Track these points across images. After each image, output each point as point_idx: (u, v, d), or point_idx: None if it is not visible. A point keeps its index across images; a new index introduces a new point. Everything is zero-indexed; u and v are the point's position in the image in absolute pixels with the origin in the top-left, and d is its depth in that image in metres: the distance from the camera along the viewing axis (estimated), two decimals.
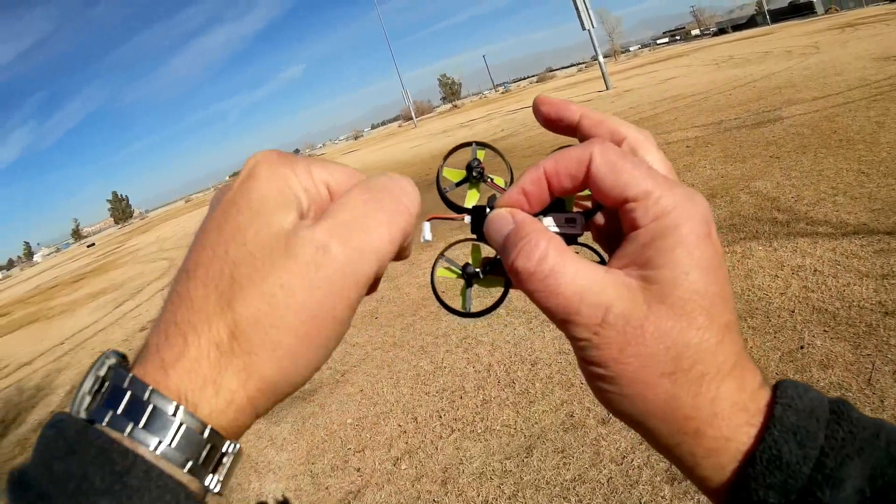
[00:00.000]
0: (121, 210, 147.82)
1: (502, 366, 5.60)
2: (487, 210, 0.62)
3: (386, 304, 8.42)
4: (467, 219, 0.66)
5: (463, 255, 0.71)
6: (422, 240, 0.69)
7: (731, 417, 0.48)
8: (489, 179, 0.71)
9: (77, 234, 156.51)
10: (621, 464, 3.88)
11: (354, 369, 6.69)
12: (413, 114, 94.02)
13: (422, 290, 8.57)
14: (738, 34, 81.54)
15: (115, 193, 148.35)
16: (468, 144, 0.75)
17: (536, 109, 0.67)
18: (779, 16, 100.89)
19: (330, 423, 5.73)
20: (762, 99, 15.15)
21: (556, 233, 0.59)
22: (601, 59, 36.43)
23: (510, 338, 6.15)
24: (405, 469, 4.58)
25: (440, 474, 4.40)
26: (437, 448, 4.74)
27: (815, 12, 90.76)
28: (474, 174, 0.71)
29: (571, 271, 0.50)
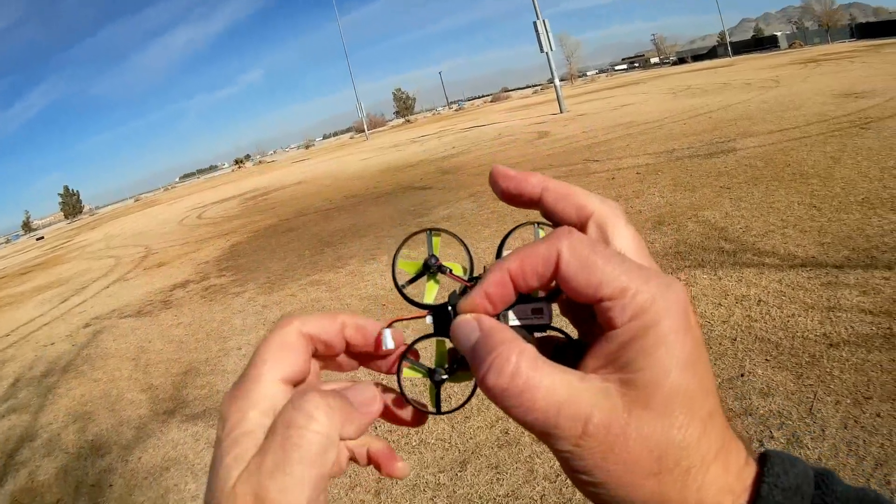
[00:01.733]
0: (71, 205, 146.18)
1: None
2: (449, 308, 0.61)
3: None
4: (429, 319, 0.64)
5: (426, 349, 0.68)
6: (384, 347, 0.63)
7: (717, 502, 0.48)
8: (447, 270, 0.67)
9: (27, 227, 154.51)
10: (555, 482, 3.90)
11: None
12: (365, 126, 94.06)
13: (364, 301, 8.60)
14: (698, 64, 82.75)
15: (66, 188, 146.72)
16: (422, 231, 0.73)
17: (494, 182, 0.63)
18: (741, 48, 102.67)
19: None
20: (717, 130, 15.38)
21: (521, 326, 0.58)
22: (557, 82, 36.76)
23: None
24: (339, 479, 4.55)
25: (374, 485, 4.41)
26: None
27: (779, 46, 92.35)
28: (431, 270, 0.68)
29: (547, 384, 0.48)
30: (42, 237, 72.69)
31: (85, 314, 13.27)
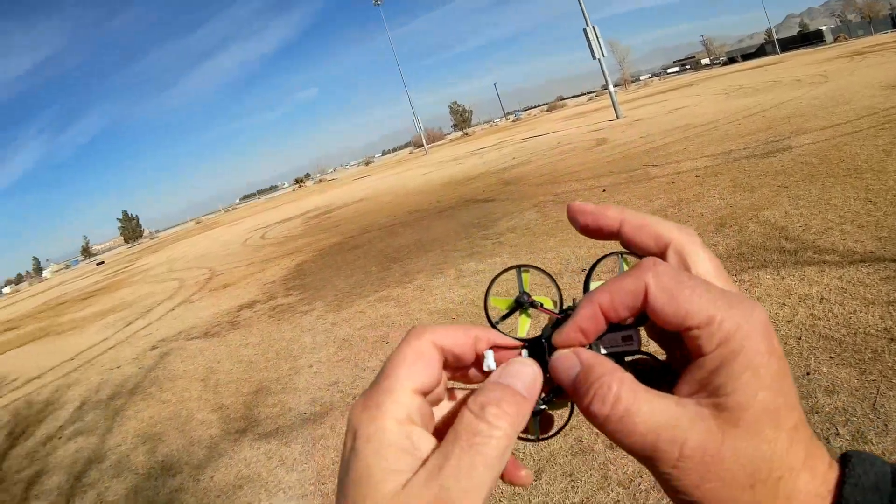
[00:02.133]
0: (131, 229, 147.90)
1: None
2: (543, 341, 0.62)
3: (397, 330, 8.43)
4: (524, 353, 0.63)
5: None
6: (485, 368, 0.62)
7: None
8: (539, 305, 0.70)
9: (87, 252, 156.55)
10: (629, 487, 3.91)
11: None
12: (424, 141, 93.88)
13: (433, 315, 8.58)
14: (747, 63, 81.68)
15: (125, 213, 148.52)
16: (513, 268, 0.75)
17: (573, 219, 0.67)
18: (788, 45, 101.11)
19: (341, 444, 5.69)
20: (771, 128, 15.24)
21: (614, 353, 0.60)
22: (612, 88, 36.53)
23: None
24: None
25: None
26: None
27: (825, 41, 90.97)
28: (523, 306, 0.71)
29: (646, 410, 0.52)
30: (102, 262, 73.43)
31: (151, 337, 13.44)
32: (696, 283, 0.53)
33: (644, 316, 0.59)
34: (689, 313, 0.52)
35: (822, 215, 7.72)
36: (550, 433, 0.69)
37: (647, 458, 0.52)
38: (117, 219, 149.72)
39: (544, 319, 0.66)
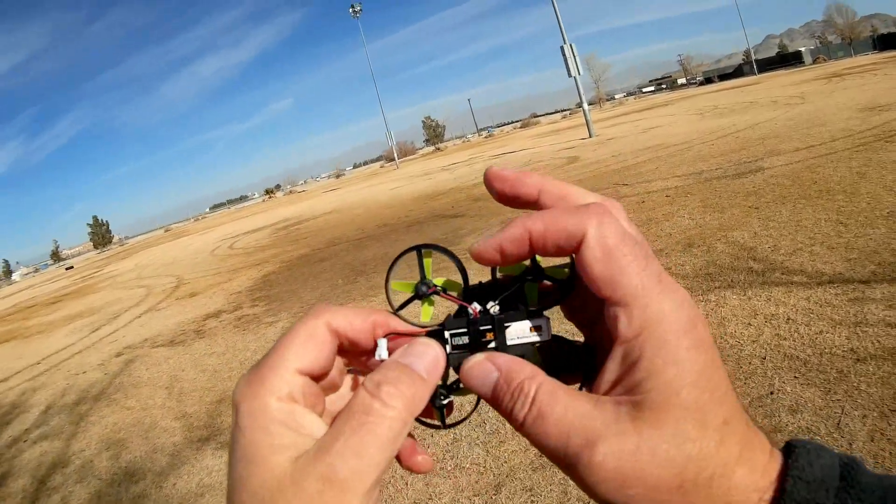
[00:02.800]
0: (100, 235, 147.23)
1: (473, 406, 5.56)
2: (444, 331, 0.62)
3: None
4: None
5: None
6: (376, 357, 0.62)
7: (744, 502, 0.49)
8: (442, 291, 0.70)
9: (56, 256, 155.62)
10: (589, 502, 3.88)
11: None
12: (395, 155, 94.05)
13: None
14: (724, 83, 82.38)
15: (95, 218, 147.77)
16: (413, 250, 0.72)
17: (489, 184, 0.65)
18: (766, 65, 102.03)
19: None
20: (745, 149, 15.36)
21: (522, 344, 0.60)
22: (586, 106, 36.70)
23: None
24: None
25: None
26: (406, 484, 4.78)
27: (803, 62, 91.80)
28: (420, 295, 0.70)
29: (559, 412, 0.51)
30: (71, 266, 73.06)
31: (117, 343, 13.39)
32: (637, 254, 0.52)
33: (557, 299, 0.63)
34: (618, 282, 0.51)
35: (792, 236, 7.78)
36: (456, 421, 0.68)
37: (562, 463, 0.52)
38: (87, 224, 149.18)
39: (452, 306, 0.66)
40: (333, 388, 0.64)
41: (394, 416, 0.52)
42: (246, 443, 0.52)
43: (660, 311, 0.49)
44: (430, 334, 0.63)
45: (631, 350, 0.50)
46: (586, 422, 0.50)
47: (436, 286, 0.70)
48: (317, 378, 0.59)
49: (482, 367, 0.58)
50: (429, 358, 0.58)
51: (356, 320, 0.61)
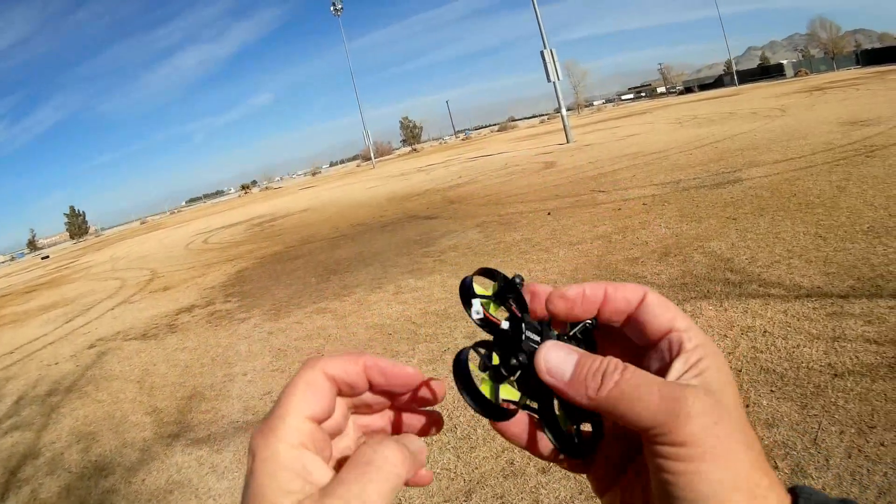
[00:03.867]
0: (77, 225, 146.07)
1: (445, 411, 5.51)
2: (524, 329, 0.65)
3: (333, 343, 8.46)
4: (505, 324, 0.67)
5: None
6: (474, 315, 0.69)
7: None
8: (521, 286, 0.71)
9: (32, 245, 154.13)
10: None
11: None
12: (372, 154, 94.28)
13: (369, 330, 8.57)
14: (704, 93, 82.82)
15: (72, 208, 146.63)
16: (492, 274, 0.74)
17: (552, 305, 0.68)
18: (747, 77, 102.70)
19: None
20: (723, 160, 15.44)
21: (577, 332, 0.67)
22: (564, 111, 36.83)
23: (455, 383, 6.14)
24: None
25: None
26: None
27: (785, 75, 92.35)
28: (510, 288, 0.70)
29: (648, 384, 0.57)
30: (47, 256, 72.68)
31: (90, 335, 13.31)
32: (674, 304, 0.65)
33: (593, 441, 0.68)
34: (676, 318, 0.63)
35: (770, 248, 7.80)
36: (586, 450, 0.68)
37: (648, 433, 0.55)
38: (64, 214, 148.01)
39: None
40: (339, 431, 0.69)
41: (392, 470, 0.57)
42: (256, 486, 0.55)
43: (702, 337, 0.62)
44: (511, 322, 0.67)
45: (692, 354, 0.60)
46: (677, 394, 0.55)
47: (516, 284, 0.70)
48: (322, 423, 0.63)
49: (561, 348, 0.63)
50: (417, 443, 0.65)
51: (347, 365, 0.67)
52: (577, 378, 0.60)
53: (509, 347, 0.65)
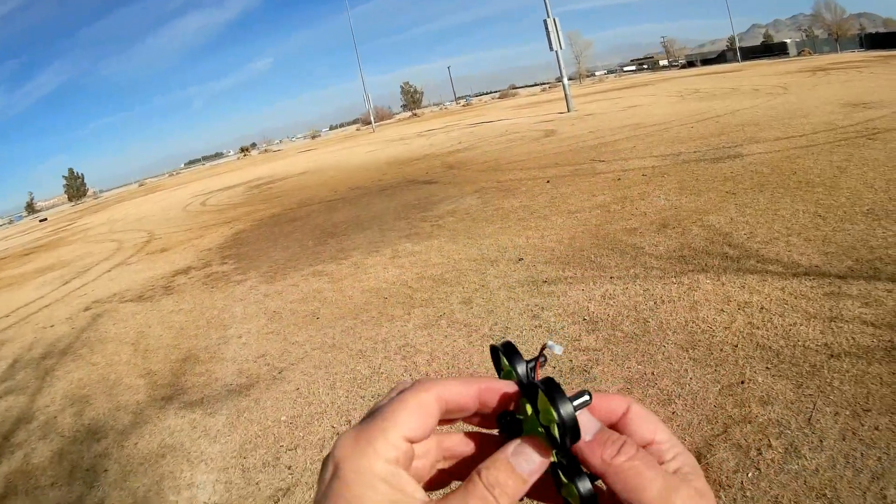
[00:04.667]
0: (75, 188, 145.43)
1: (439, 376, 5.51)
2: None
3: (328, 306, 8.47)
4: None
5: None
6: (558, 352, 0.72)
7: None
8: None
9: (31, 208, 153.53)
10: None
11: (292, 367, 6.72)
12: (372, 119, 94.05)
13: (365, 294, 8.58)
14: (706, 68, 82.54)
15: (71, 170, 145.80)
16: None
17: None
18: (750, 54, 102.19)
19: (264, 418, 5.74)
20: (724, 134, 15.37)
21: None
22: (566, 80, 36.65)
23: (449, 349, 6.18)
24: None
25: None
26: None
27: (788, 53, 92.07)
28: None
29: (653, 470, 0.61)
30: (45, 219, 72.70)
31: (86, 297, 13.26)
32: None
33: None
34: (657, 432, 0.67)
35: (769, 225, 7.77)
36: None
37: None
38: (63, 176, 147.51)
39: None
40: (423, 452, 0.69)
41: (509, 493, 0.60)
42: (352, 497, 0.55)
43: (687, 452, 0.67)
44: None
45: (671, 465, 0.64)
46: (677, 485, 0.60)
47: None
48: (415, 443, 0.64)
49: (584, 413, 0.66)
50: (535, 464, 0.63)
51: (463, 389, 0.67)
52: (598, 440, 0.64)
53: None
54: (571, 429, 0.61)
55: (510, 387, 0.68)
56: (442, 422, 0.67)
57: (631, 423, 0.68)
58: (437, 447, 0.71)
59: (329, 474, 0.57)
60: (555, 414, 0.61)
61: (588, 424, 0.65)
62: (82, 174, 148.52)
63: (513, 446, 0.64)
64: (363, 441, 0.58)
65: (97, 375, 8.00)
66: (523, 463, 0.62)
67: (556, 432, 0.62)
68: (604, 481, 0.62)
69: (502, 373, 0.73)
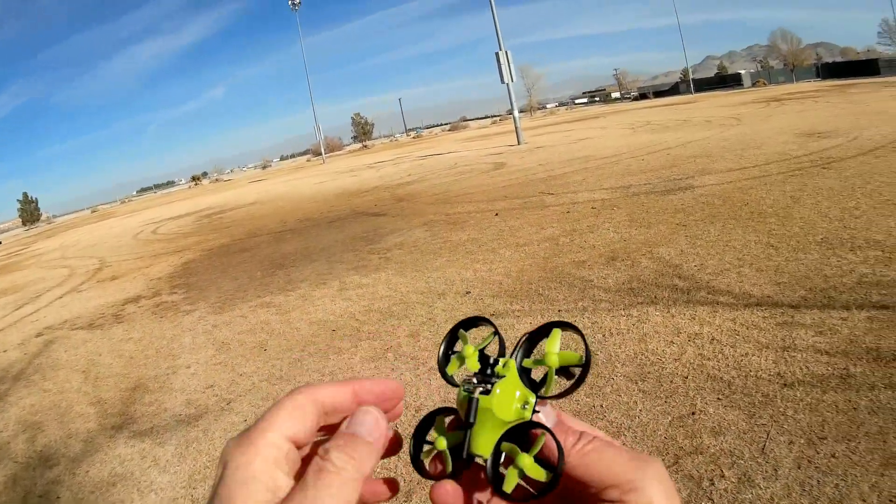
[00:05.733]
0: (29, 212, 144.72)
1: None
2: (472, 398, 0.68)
3: (276, 338, 8.47)
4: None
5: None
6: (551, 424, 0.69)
7: None
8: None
9: None
10: None
11: (240, 398, 6.71)
12: (323, 150, 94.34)
13: (313, 326, 8.59)
14: (659, 100, 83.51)
15: (25, 195, 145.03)
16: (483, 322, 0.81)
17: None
18: (704, 85, 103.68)
19: (213, 449, 5.73)
20: (675, 166, 15.55)
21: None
22: (516, 113, 36.96)
23: (397, 380, 6.08)
24: None
25: None
26: None
27: (742, 84, 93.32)
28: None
29: (607, 457, 0.63)
30: (0, 242, 72.40)
31: (38, 323, 13.21)
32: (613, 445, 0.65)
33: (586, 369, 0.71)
34: (592, 428, 0.68)
35: (720, 256, 7.82)
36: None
37: (592, 496, 0.62)
38: (17, 200, 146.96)
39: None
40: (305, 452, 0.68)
41: (345, 475, 0.59)
42: (224, 494, 0.56)
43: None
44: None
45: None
46: (645, 458, 0.61)
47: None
48: (299, 446, 0.64)
49: (549, 410, 0.70)
50: (369, 423, 0.65)
51: (338, 389, 0.68)
52: (560, 427, 0.67)
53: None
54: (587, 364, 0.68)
55: (384, 384, 0.71)
56: (325, 428, 0.68)
57: (567, 421, 0.69)
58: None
59: (217, 476, 0.58)
60: (576, 355, 0.69)
61: (550, 412, 0.69)
62: (36, 199, 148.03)
63: (356, 414, 0.66)
64: (246, 442, 0.59)
65: (49, 402, 8.03)
66: (358, 428, 0.64)
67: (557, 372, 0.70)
68: (570, 471, 0.63)
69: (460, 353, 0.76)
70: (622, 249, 8.94)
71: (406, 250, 12.09)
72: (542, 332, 0.75)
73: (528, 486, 0.66)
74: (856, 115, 20.52)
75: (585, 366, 0.69)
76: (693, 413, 4.47)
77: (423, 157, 42.72)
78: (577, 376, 0.69)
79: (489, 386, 0.68)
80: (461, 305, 8.08)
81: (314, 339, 8.06)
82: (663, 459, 3.93)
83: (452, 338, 0.79)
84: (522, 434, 0.67)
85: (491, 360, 0.73)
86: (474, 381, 0.70)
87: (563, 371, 0.71)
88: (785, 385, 4.58)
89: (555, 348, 0.71)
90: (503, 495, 0.66)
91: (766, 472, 3.67)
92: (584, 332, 0.72)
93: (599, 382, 5.29)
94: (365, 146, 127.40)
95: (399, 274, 10.35)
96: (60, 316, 13.41)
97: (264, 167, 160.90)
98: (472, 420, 0.68)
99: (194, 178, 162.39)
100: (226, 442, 0.60)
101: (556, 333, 0.73)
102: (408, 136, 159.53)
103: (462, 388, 0.70)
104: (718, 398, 4.60)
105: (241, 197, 43.72)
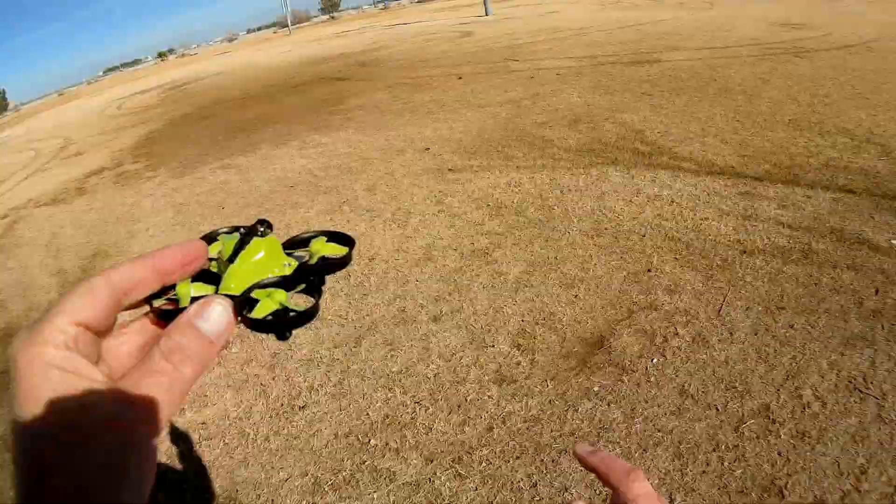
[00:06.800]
0: None
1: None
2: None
3: (234, 197, 8.64)
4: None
5: None
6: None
7: None
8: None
9: None
10: (450, 360, 4.02)
11: None
12: (289, 21, 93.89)
13: (271, 183, 8.72)
14: None
15: None
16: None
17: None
18: None
19: None
20: (643, 41, 15.29)
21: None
22: None
23: (350, 232, 5.95)
24: (235, 352, 4.77)
25: (269, 359, 4.62)
26: (266, 335, 4.63)
27: None
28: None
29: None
30: None
31: (2, 206, 13.19)
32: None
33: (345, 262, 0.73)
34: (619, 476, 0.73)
35: (685, 126, 7.68)
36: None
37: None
38: None
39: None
40: (106, 334, 0.61)
41: (184, 378, 0.55)
42: (28, 388, 0.51)
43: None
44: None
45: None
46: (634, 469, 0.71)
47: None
48: (97, 332, 0.58)
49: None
50: (222, 324, 0.60)
51: (136, 264, 0.62)
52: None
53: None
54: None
55: (184, 247, 0.65)
56: (132, 306, 0.62)
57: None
58: (146, 334, 0.65)
59: (11, 378, 0.52)
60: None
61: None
62: (4, 89, 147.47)
63: (194, 307, 0.60)
64: (33, 333, 0.53)
65: (12, 279, 8.10)
66: (206, 323, 0.58)
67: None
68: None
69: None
70: (585, 114, 8.81)
71: (367, 111, 12.15)
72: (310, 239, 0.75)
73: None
74: (832, 12, 20.35)
75: (349, 251, 0.72)
76: (649, 270, 4.44)
77: (390, 26, 42.62)
78: (341, 258, 0.71)
79: (258, 237, 0.68)
80: (419, 161, 8.09)
81: (272, 195, 8.21)
82: (616, 313, 3.96)
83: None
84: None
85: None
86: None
87: (327, 263, 0.71)
88: (744, 252, 4.51)
89: (321, 242, 0.74)
90: (250, 321, 0.63)
91: (722, 334, 3.60)
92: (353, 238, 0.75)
93: (555, 235, 5.29)
94: (332, 17, 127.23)
95: (359, 132, 10.42)
96: (25, 196, 13.39)
97: (231, 40, 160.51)
98: (233, 261, 0.66)
99: (160, 55, 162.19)
100: (12, 340, 0.53)
101: (322, 239, 0.75)
102: (376, 7, 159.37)
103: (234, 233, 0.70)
104: (676, 258, 4.55)
105: (206, 69, 43.80)
